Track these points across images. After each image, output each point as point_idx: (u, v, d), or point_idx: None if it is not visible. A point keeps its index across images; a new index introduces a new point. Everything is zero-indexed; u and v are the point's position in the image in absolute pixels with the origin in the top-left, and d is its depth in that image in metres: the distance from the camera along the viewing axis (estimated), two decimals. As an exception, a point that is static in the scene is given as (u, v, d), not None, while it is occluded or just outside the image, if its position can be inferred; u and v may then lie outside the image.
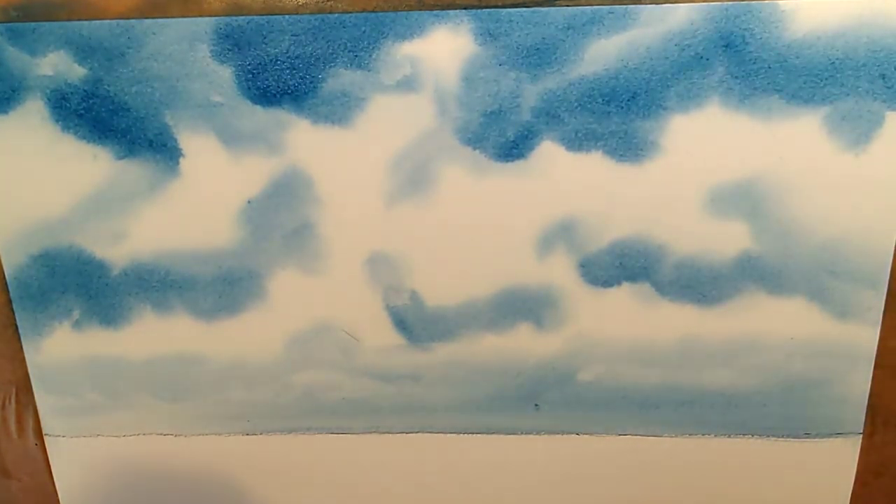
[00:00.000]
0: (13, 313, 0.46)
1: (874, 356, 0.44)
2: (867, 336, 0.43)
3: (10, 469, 0.50)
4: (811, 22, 0.38)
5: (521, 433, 0.47)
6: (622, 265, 0.43)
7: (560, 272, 0.43)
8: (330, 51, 0.39)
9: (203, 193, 0.43)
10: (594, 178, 0.41)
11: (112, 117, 0.41)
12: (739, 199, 0.41)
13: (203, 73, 0.40)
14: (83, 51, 0.40)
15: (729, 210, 0.41)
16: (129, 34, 0.39)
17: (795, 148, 0.40)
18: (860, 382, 0.44)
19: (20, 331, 0.46)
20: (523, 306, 0.44)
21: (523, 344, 0.45)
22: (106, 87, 0.41)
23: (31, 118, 0.41)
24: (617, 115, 0.40)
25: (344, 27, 0.39)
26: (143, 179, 0.42)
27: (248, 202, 0.43)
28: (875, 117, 0.39)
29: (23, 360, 0.47)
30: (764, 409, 0.45)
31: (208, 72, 0.40)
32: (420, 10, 0.38)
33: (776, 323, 0.43)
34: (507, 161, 0.41)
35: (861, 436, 0.46)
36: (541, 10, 0.38)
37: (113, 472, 0.50)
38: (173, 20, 0.39)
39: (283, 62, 0.40)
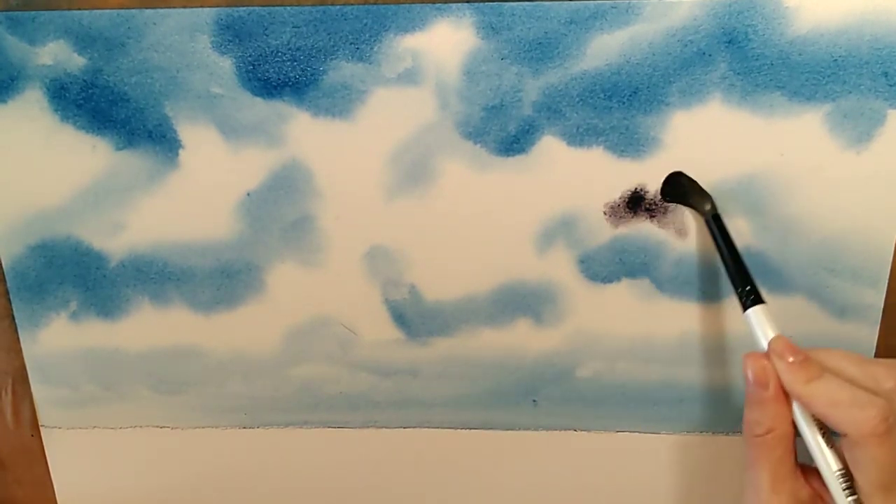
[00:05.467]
0: (10, 304, 0.46)
1: (874, 355, 0.44)
2: (867, 335, 0.43)
3: (5, 460, 0.50)
4: (814, 19, 0.38)
5: (519, 429, 0.47)
6: (622, 261, 0.43)
7: (560, 267, 0.43)
8: (331, 43, 0.39)
9: (202, 185, 0.42)
10: (595, 174, 0.41)
11: (111, 108, 0.41)
12: (740, 196, 0.41)
13: (203, 64, 0.40)
14: (83, 40, 0.40)
15: (729, 207, 0.41)
16: (129, 24, 0.39)
17: (797, 145, 0.40)
18: (859, 381, 0.44)
19: (17, 322, 0.46)
20: (522, 301, 0.44)
21: (522, 339, 0.45)
22: (106, 77, 0.41)
23: (30, 108, 0.41)
24: (618, 110, 0.40)
25: (345, 19, 0.39)
26: (142, 171, 0.42)
27: (248, 194, 0.43)
28: (877, 115, 0.39)
29: (20, 351, 0.47)
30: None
31: (209, 63, 0.40)
32: (422, 2, 0.38)
33: (775, 321, 0.43)
34: (508, 156, 0.41)
35: (859, 434, 0.46)
36: (543, 5, 0.38)
37: (109, 464, 0.50)
38: (174, 10, 0.39)
39: (284, 54, 0.40)
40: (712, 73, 0.39)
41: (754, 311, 0.38)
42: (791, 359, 0.35)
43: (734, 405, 0.45)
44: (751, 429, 0.36)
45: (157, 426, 0.48)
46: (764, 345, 0.37)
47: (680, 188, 0.41)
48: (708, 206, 0.40)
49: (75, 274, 0.45)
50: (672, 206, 0.41)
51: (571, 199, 0.42)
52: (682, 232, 0.42)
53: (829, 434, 0.35)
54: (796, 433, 0.36)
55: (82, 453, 0.50)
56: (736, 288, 0.39)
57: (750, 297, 0.38)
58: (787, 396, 0.35)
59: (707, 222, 0.40)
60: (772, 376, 0.35)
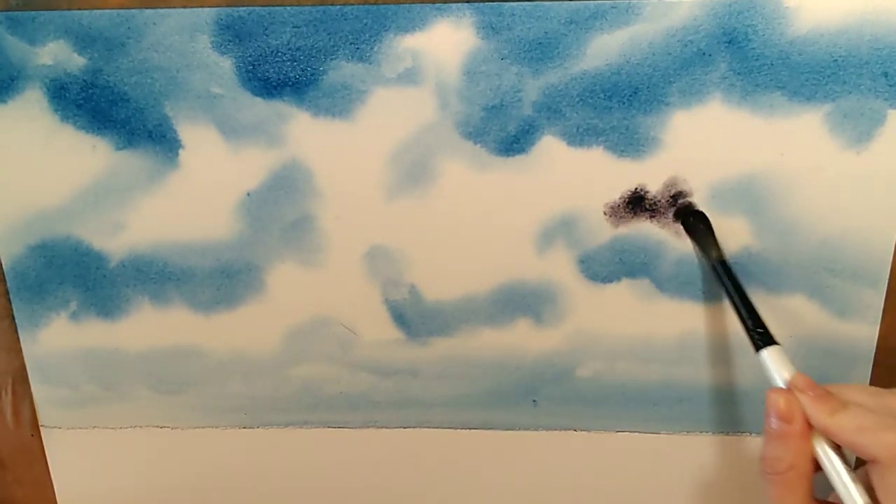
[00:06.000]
0: (10, 304, 0.46)
1: (873, 355, 0.44)
2: (866, 334, 0.43)
3: (5, 460, 0.50)
4: (814, 19, 0.38)
5: (519, 429, 0.47)
6: (622, 261, 0.43)
7: (560, 267, 0.43)
8: (331, 43, 0.39)
9: (202, 185, 0.42)
10: (595, 174, 0.41)
11: (111, 108, 0.41)
12: (740, 196, 0.41)
13: (203, 64, 0.40)
14: (83, 40, 0.40)
15: (729, 207, 0.41)
16: (129, 24, 0.39)
17: (797, 145, 0.40)
18: (859, 381, 0.44)
19: (17, 322, 0.46)
20: (522, 301, 0.44)
21: (522, 339, 0.45)
22: (106, 77, 0.41)
23: (30, 108, 0.41)
24: (618, 110, 0.40)
25: (345, 19, 0.39)
26: (142, 171, 0.42)
27: (248, 194, 0.43)
28: (877, 115, 0.39)
29: (20, 351, 0.47)
30: (763, 406, 0.45)
31: (209, 63, 0.40)
32: (422, 2, 0.38)
33: (776, 320, 0.43)
34: (508, 156, 0.41)
35: (859, 434, 0.46)
36: (543, 5, 0.38)
37: (109, 464, 0.50)
38: (174, 10, 0.39)
39: (284, 54, 0.40)
40: (712, 73, 0.39)
41: (769, 352, 0.37)
42: (813, 393, 0.35)
43: (734, 405, 0.45)
44: (772, 466, 0.35)
45: (157, 426, 0.48)
46: (780, 384, 0.37)
47: (695, 228, 0.41)
48: (716, 254, 0.40)
49: (75, 274, 0.45)
50: (673, 207, 0.41)
51: (571, 199, 0.42)
52: (681, 232, 0.42)
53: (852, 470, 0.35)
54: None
55: (82, 453, 0.50)
56: (747, 330, 0.38)
57: (763, 339, 0.38)
58: (808, 433, 0.35)
59: (713, 268, 0.40)
60: (797, 411, 0.35)
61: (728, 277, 0.40)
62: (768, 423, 0.36)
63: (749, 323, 0.38)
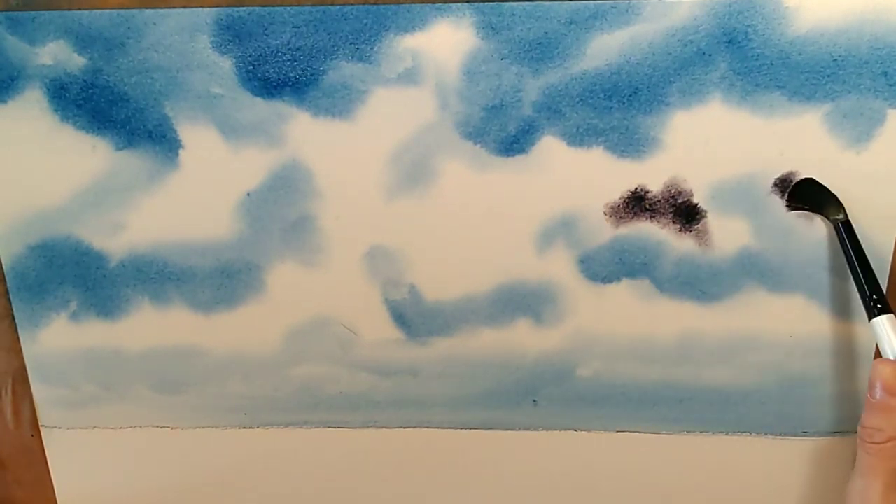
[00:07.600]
0: (10, 304, 0.46)
1: (873, 354, 0.43)
2: (866, 334, 0.43)
3: (5, 460, 0.50)
4: (814, 19, 0.38)
5: (519, 429, 0.47)
6: (622, 261, 0.43)
7: (560, 268, 0.43)
8: (331, 43, 0.39)
9: (202, 185, 0.42)
10: (595, 174, 0.41)
11: (111, 108, 0.41)
12: (740, 196, 0.41)
13: (203, 64, 0.40)
14: (83, 40, 0.40)
15: (729, 207, 0.41)
16: (129, 24, 0.39)
17: (797, 145, 0.40)
18: (859, 381, 0.44)
19: (17, 322, 0.46)
20: (522, 301, 0.44)
21: (522, 339, 0.45)
22: (105, 77, 0.41)
23: (30, 108, 0.41)
24: (618, 110, 0.40)
25: (346, 19, 0.39)
26: (142, 171, 0.42)
27: (248, 194, 0.43)
28: (877, 115, 0.39)
29: (20, 351, 0.47)
30: (762, 406, 0.45)
31: (209, 63, 0.40)
32: (422, 2, 0.38)
33: (775, 320, 0.43)
34: (508, 156, 0.41)
35: (859, 434, 0.46)
36: (543, 5, 0.38)
37: (109, 464, 0.50)
38: (174, 10, 0.39)
39: (284, 54, 0.40)
40: (712, 73, 0.39)
41: (881, 321, 0.38)
42: None
43: (734, 405, 0.45)
44: (871, 436, 0.36)
45: (157, 426, 0.48)
46: (889, 354, 0.37)
47: (810, 194, 0.40)
48: (839, 214, 0.40)
49: (75, 274, 0.45)
50: (673, 207, 0.41)
51: (571, 199, 0.42)
52: (685, 231, 0.42)
53: None
54: None
55: (82, 453, 0.49)
56: (863, 296, 0.39)
57: (877, 307, 0.38)
58: None
59: (836, 228, 0.40)
60: None
61: (850, 240, 0.39)
62: (872, 392, 0.36)
63: (865, 289, 0.38)
